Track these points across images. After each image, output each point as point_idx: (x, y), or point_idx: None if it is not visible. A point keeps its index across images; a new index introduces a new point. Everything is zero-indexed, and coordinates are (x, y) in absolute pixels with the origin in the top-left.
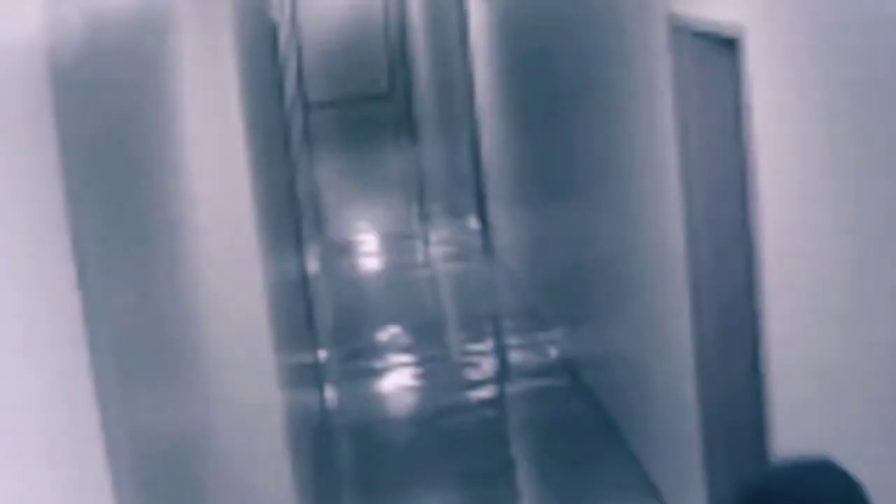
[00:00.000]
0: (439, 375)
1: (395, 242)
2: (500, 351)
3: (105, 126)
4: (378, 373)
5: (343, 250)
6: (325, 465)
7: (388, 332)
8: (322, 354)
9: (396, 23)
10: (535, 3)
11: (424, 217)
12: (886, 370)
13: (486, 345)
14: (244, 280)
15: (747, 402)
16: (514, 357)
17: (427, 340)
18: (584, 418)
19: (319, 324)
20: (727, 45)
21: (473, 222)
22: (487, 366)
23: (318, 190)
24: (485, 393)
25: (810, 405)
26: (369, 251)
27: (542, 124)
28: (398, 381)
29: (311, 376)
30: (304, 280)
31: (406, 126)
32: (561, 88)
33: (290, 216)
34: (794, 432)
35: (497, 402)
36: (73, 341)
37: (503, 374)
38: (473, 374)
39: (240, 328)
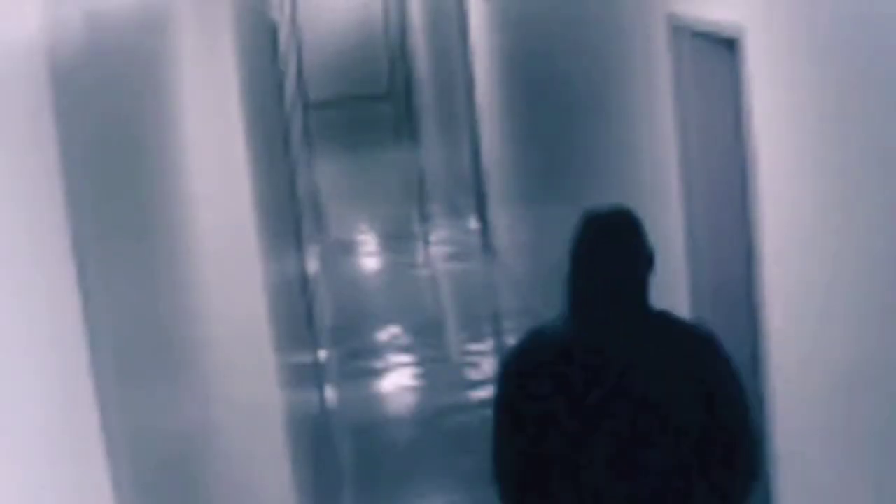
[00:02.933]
0: (439, 375)
1: (395, 242)
2: (500, 351)
3: (105, 126)
4: (378, 373)
5: (343, 250)
6: (325, 465)
7: (388, 332)
8: (322, 354)
9: (396, 23)
10: (535, 3)
11: (424, 217)
12: (887, 367)
13: (486, 345)
14: (244, 280)
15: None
16: None
17: (427, 340)
18: None
19: (319, 324)
20: (727, 45)
21: (473, 222)
22: (487, 366)
23: (318, 190)
24: (485, 393)
25: (811, 403)
26: (369, 251)
27: (541, 124)
28: (398, 381)
29: (311, 376)
30: (304, 280)
31: (406, 126)
32: (561, 88)
33: (290, 216)
34: (794, 431)
35: None
36: (73, 341)
37: None
38: (473, 374)
39: (240, 328)
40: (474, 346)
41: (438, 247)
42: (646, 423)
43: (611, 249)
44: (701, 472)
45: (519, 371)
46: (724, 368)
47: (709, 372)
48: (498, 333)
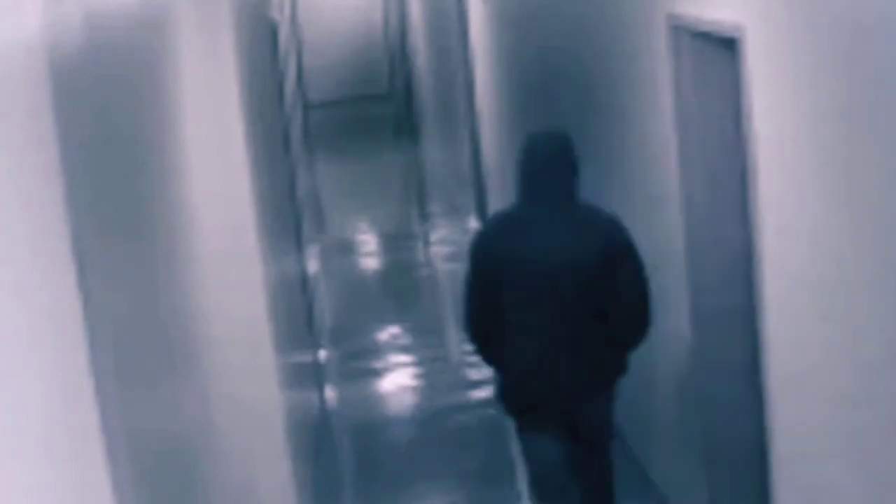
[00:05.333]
0: (439, 375)
1: (395, 242)
2: None
3: (105, 126)
4: (378, 373)
5: (343, 250)
6: (325, 465)
7: (388, 332)
8: (322, 354)
9: (396, 23)
10: (535, 3)
11: (424, 217)
12: (886, 369)
13: None
14: (244, 280)
15: (747, 401)
16: None
17: (427, 340)
18: None
19: (319, 324)
20: (727, 45)
21: (473, 222)
22: (487, 366)
23: (318, 190)
24: (485, 393)
25: (810, 404)
26: (369, 251)
27: (541, 124)
28: (398, 381)
29: (311, 376)
30: (304, 280)
31: (406, 126)
32: (561, 88)
33: (290, 216)
34: (794, 431)
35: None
36: (73, 341)
37: None
38: (473, 374)
39: (240, 328)
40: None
41: (438, 247)
42: (572, 278)
43: (553, 159)
44: (610, 318)
45: (487, 239)
46: (628, 243)
47: (617, 245)
48: None
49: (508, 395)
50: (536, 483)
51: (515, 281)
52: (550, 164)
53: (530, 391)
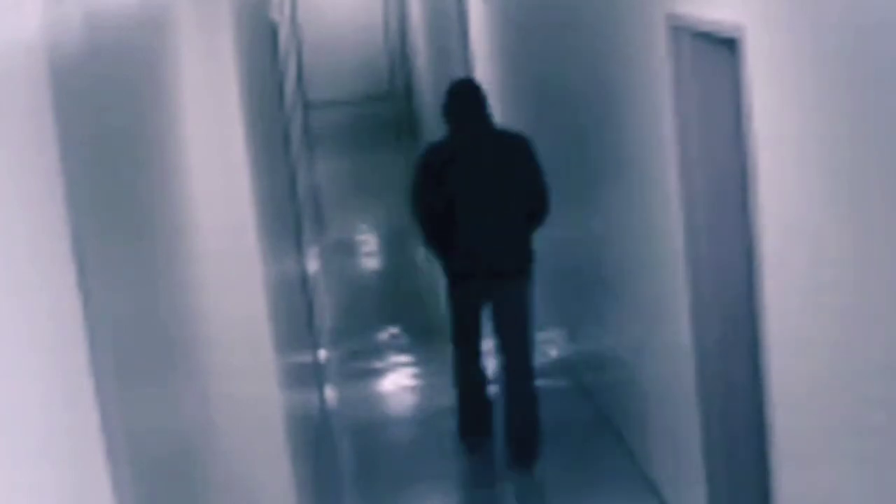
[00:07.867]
0: (439, 375)
1: (395, 242)
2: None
3: (105, 126)
4: (378, 373)
5: (343, 250)
6: (325, 465)
7: (388, 332)
8: (322, 354)
9: (396, 23)
10: (535, 4)
11: None
12: (886, 369)
13: (486, 345)
14: (244, 280)
15: (747, 401)
16: None
17: (426, 341)
18: (583, 419)
19: (319, 324)
20: (727, 45)
21: None
22: (487, 366)
23: (319, 190)
24: None
25: (810, 404)
26: (369, 251)
27: (541, 124)
28: (398, 381)
29: (311, 376)
30: (304, 280)
31: (406, 126)
32: (561, 88)
33: (290, 216)
34: (793, 432)
35: (497, 403)
36: (73, 341)
37: None
38: None
39: (240, 328)
40: None
41: None
42: (495, 182)
43: (473, 98)
44: (524, 210)
45: (430, 155)
46: (534, 156)
47: (527, 158)
48: None
49: (452, 264)
50: (455, 328)
51: (458, 183)
52: (472, 101)
53: (470, 263)
